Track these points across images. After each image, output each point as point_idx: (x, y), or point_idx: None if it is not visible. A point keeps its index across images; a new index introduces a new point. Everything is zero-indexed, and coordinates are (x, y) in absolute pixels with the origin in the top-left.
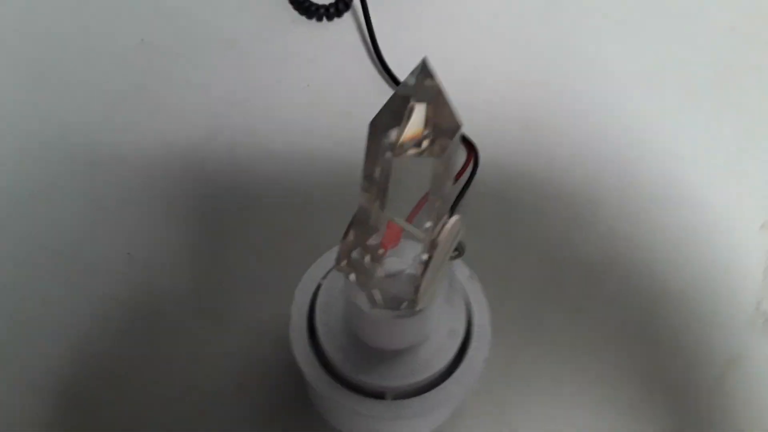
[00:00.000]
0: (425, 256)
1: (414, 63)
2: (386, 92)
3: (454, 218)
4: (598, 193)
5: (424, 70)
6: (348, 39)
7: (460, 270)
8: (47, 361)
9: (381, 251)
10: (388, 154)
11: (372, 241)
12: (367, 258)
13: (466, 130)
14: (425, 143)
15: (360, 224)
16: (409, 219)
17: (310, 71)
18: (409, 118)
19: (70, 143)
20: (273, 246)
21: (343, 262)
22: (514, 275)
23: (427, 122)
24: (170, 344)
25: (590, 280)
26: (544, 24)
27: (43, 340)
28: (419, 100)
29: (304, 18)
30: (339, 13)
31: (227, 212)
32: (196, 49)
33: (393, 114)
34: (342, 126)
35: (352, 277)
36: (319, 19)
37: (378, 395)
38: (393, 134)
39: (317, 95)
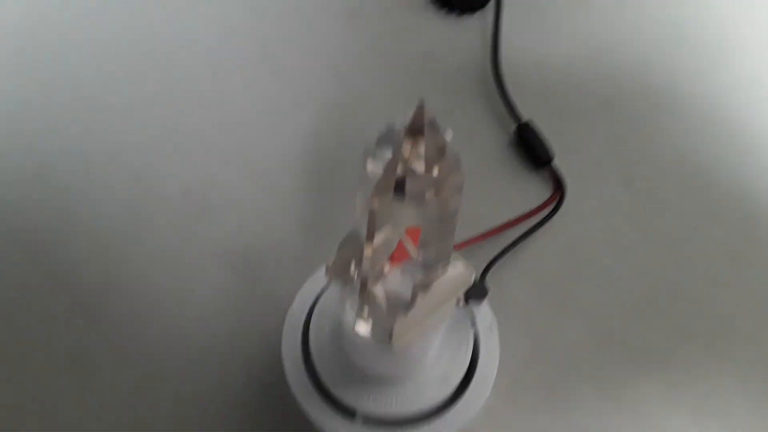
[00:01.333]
0: (410, 296)
1: (533, 74)
2: (490, 96)
3: (461, 266)
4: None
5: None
6: (470, 37)
7: (483, 315)
8: None
9: (386, 267)
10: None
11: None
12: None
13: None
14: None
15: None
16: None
17: (421, 61)
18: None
19: None
20: None
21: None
22: (552, 338)
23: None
24: None
25: (633, 369)
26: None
27: None
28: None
29: (435, 8)
30: (472, 10)
31: None
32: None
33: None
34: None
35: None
36: (450, 11)
37: (350, 413)
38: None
39: (415, 84)
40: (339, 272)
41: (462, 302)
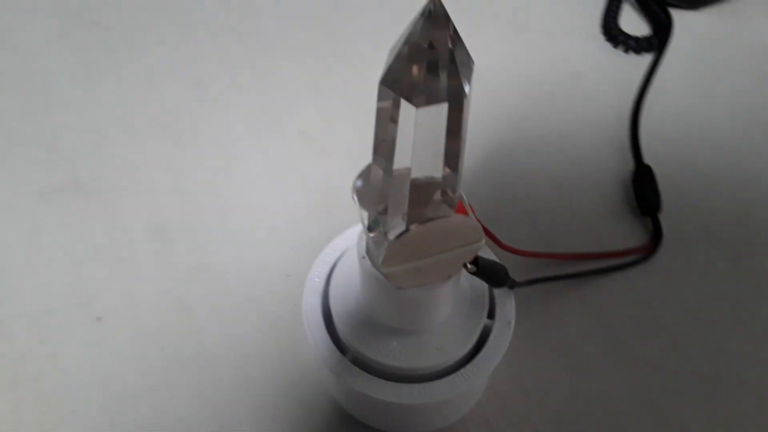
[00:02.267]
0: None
1: (670, 125)
2: (621, 129)
3: (463, 220)
4: None
5: (434, 13)
6: (626, 73)
7: (506, 309)
8: None
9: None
10: (389, 119)
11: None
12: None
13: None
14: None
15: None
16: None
17: (566, 81)
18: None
19: None
20: None
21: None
22: (585, 379)
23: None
24: None
25: None
26: None
27: None
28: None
29: (602, 39)
30: (639, 50)
31: None
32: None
33: (401, 69)
34: (552, 141)
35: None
36: (615, 46)
37: (343, 349)
38: (413, 83)
39: (553, 106)
40: (362, 194)
41: (471, 268)
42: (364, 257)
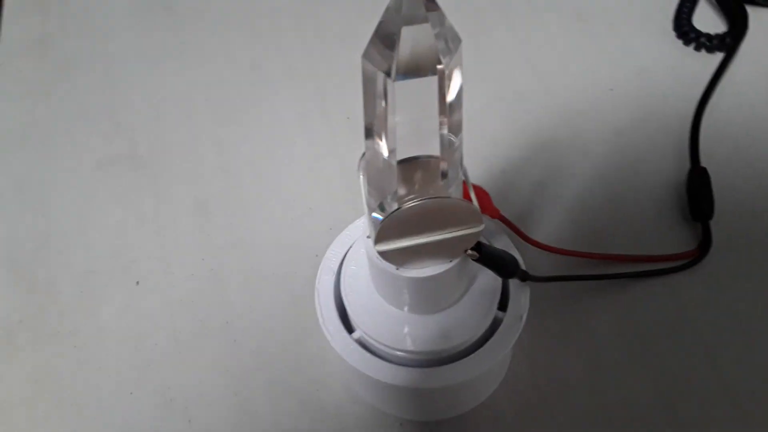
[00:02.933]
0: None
1: (727, 133)
2: (681, 129)
3: (458, 203)
4: None
5: None
6: (694, 71)
7: (519, 303)
8: None
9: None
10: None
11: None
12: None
13: None
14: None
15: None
16: None
17: (630, 77)
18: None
19: None
20: None
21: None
22: (607, 383)
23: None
24: None
25: None
26: None
27: None
28: (413, 22)
29: (673, 36)
30: (711, 49)
31: None
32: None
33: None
34: (606, 138)
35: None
36: (687, 43)
37: (350, 329)
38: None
39: (612, 102)
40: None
41: (472, 255)
42: (368, 236)
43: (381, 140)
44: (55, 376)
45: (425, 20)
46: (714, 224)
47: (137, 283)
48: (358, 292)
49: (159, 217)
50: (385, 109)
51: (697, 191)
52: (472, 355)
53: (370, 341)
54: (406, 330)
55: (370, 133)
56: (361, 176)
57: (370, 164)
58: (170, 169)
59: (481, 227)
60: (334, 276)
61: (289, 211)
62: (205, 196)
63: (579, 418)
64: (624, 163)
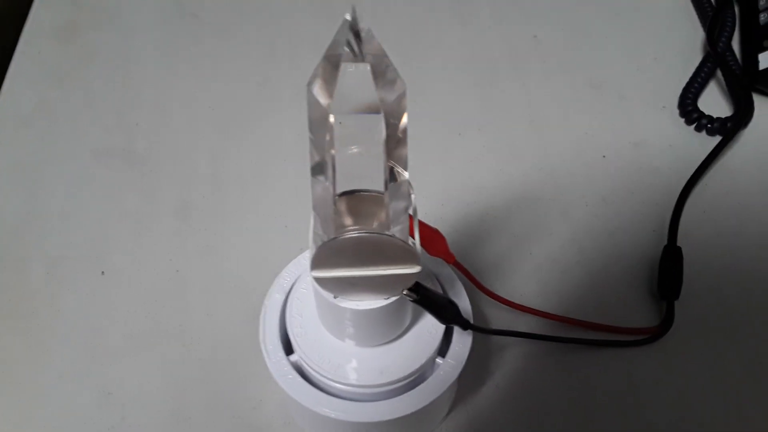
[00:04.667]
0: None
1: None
2: (666, 206)
3: (395, 242)
4: None
5: (353, 27)
6: (690, 156)
7: (457, 352)
8: None
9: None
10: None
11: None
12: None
13: None
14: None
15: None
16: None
17: (624, 148)
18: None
19: None
20: None
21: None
22: None
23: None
24: None
25: None
26: None
27: None
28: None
29: (676, 113)
30: (712, 132)
31: None
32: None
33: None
34: (589, 203)
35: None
36: (688, 123)
37: (289, 351)
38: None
39: (602, 168)
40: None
41: (410, 295)
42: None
43: (325, 172)
44: (2, 352)
45: (368, 59)
46: (679, 304)
47: (102, 273)
48: (303, 315)
49: (139, 214)
50: (329, 142)
51: (668, 270)
52: (403, 396)
53: (306, 367)
54: (342, 360)
55: (316, 166)
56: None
57: (316, 194)
58: (161, 170)
59: (418, 269)
60: (284, 295)
61: (265, 227)
62: (188, 200)
63: None
64: (603, 231)
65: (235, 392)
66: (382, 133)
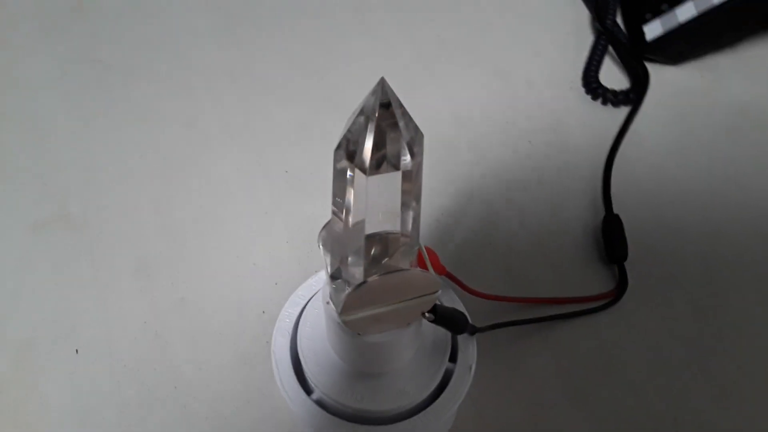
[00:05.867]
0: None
1: (635, 182)
2: (594, 180)
3: (419, 273)
4: None
5: (383, 92)
6: (603, 125)
7: (467, 354)
8: None
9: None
10: (350, 177)
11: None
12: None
13: None
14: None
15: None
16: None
17: (545, 131)
18: (375, 140)
19: None
20: None
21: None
22: (545, 421)
23: (392, 146)
24: None
25: None
26: None
27: None
28: (381, 122)
29: (582, 92)
30: (617, 103)
31: None
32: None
33: (355, 139)
34: (527, 187)
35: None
36: (595, 98)
37: (308, 390)
38: (363, 155)
39: (531, 153)
40: (327, 244)
41: (429, 317)
42: (328, 302)
43: (347, 217)
44: None
45: (394, 127)
46: (629, 265)
47: (77, 351)
48: (315, 352)
49: (98, 280)
50: (354, 196)
51: (611, 236)
52: (430, 408)
53: (329, 401)
54: (368, 389)
55: (337, 208)
56: (321, 247)
57: (334, 238)
58: (107, 230)
59: (438, 292)
60: (289, 338)
61: (233, 268)
62: (145, 256)
63: None
64: (545, 211)
65: None
66: (397, 186)
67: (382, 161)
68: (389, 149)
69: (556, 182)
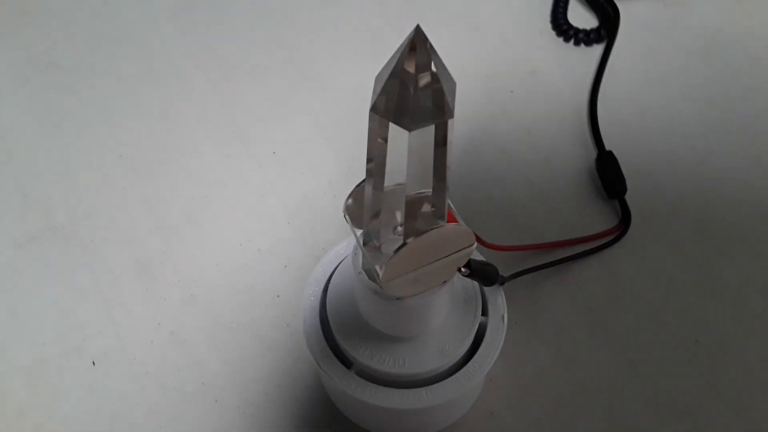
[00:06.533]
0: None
1: (621, 117)
2: (581, 121)
3: (455, 228)
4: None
5: (418, 38)
6: (579, 65)
7: (497, 305)
8: None
9: (399, 231)
10: (381, 141)
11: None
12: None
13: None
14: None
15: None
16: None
17: (525, 79)
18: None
19: None
20: None
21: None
22: (577, 358)
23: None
24: None
25: (651, 413)
26: None
27: None
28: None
29: (554, 35)
30: (589, 42)
31: None
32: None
33: (390, 96)
34: (517, 137)
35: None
36: (567, 40)
37: (347, 364)
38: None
39: (515, 103)
40: (353, 215)
41: (465, 272)
42: (360, 272)
43: (382, 179)
44: None
45: (434, 80)
46: (629, 198)
47: (93, 363)
48: (349, 326)
49: (101, 288)
50: (387, 151)
51: (607, 173)
52: (471, 362)
53: (372, 372)
54: (408, 353)
55: (372, 172)
56: (348, 217)
57: (368, 204)
58: (99, 235)
59: (474, 246)
60: (318, 316)
61: (239, 257)
62: (144, 256)
63: (562, 396)
64: (539, 159)
65: (287, 423)
66: (431, 141)
67: (421, 114)
68: (430, 103)
69: (545, 128)
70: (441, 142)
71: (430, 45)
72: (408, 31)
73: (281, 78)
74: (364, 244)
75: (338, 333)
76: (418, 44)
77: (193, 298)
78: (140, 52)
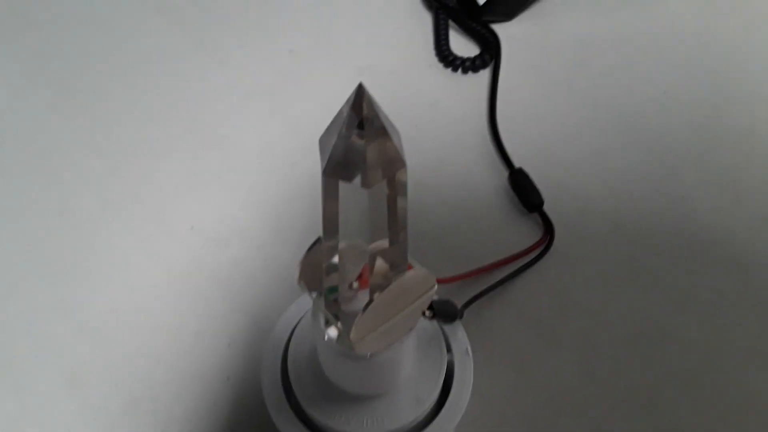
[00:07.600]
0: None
1: (522, 133)
2: (486, 144)
3: (421, 272)
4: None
5: (360, 95)
6: (472, 92)
7: (459, 340)
8: None
9: (356, 286)
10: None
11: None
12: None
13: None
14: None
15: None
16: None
17: (426, 113)
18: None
19: None
20: None
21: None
22: (538, 373)
23: (377, 160)
24: None
25: (618, 407)
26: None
27: None
28: (367, 140)
29: (441, 67)
30: (476, 69)
31: None
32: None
33: (340, 157)
34: (431, 168)
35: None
36: (455, 70)
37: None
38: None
39: (422, 136)
40: (308, 279)
41: (429, 314)
42: (326, 339)
43: (336, 238)
44: None
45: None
46: (548, 209)
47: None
48: (319, 397)
49: (29, 413)
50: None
51: (522, 188)
52: (448, 403)
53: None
54: (384, 410)
55: (331, 237)
56: (303, 284)
57: (326, 267)
58: (21, 348)
59: (435, 287)
60: (281, 391)
61: (176, 344)
62: (73, 366)
63: (532, 410)
64: (455, 185)
65: None
66: (385, 194)
67: (375, 172)
68: (383, 157)
69: (455, 156)
70: (401, 191)
71: (373, 99)
72: (301, 84)
73: (185, 150)
74: (325, 305)
75: (309, 408)
76: (362, 102)
77: (135, 403)
78: (30, 148)
